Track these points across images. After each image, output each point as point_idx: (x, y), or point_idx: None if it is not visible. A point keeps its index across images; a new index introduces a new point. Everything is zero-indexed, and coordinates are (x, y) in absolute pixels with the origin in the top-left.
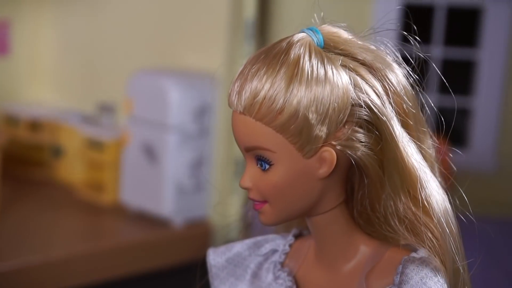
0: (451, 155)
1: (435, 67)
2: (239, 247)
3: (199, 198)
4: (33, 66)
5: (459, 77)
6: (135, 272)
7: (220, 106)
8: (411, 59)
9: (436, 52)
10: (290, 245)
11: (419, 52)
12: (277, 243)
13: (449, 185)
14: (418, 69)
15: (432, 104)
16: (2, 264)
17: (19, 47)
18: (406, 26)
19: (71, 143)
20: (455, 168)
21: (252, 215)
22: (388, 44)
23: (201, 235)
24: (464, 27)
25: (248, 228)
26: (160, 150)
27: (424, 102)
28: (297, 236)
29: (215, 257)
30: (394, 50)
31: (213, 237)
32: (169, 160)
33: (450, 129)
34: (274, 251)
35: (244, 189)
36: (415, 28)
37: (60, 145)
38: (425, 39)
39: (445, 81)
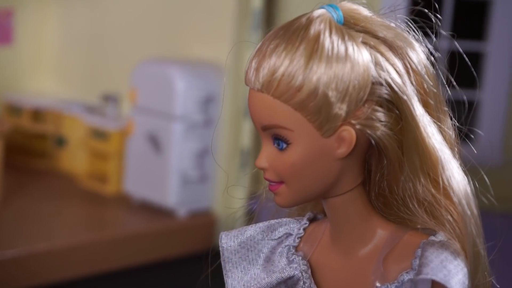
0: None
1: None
2: (252, 230)
3: (203, 189)
4: (37, 56)
5: (466, 69)
6: (139, 263)
7: (226, 96)
8: (433, 37)
9: (443, 44)
10: (305, 229)
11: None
12: (291, 227)
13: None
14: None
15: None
16: (5, 252)
17: (23, 37)
18: (417, 14)
19: (75, 133)
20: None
21: (263, 199)
22: (408, 22)
23: (205, 226)
24: (472, 19)
25: (253, 220)
26: (165, 140)
27: (444, 81)
28: (311, 220)
29: (227, 241)
30: (414, 29)
31: (217, 228)
32: (174, 150)
33: (462, 118)
34: (288, 235)
35: (260, 169)
36: (430, 11)
37: (63, 135)
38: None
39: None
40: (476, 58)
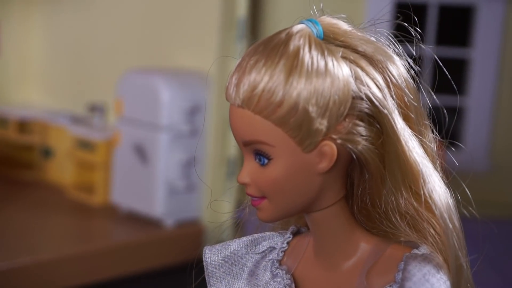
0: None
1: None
2: (236, 245)
3: (190, 199)
4: (23, 67)
5: (451, 76)
6: (126, 274)
7: (212, 106)
8: (413, 51)
9: (428, 50)
10: (288, 243)
11: (418, 45)
12: (275, 240)
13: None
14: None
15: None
16: None
17: (8, 48)
18: (399, 25)
19: (61, 144)
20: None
21: (247, 214)
22: (388, 36)
23: (192, 235)
24: (457, 26)
25: (240, 229)
26: (152, 150)
27: (425, 94)
28: (295, 234)
29: (211, 255)
30: (394, 42)
31: (205, 237)
32: (160, 161)
33: (444, 128)
34: (271, 248)
35: (242, 185)
36: (410, 24)
37: (50, 146)
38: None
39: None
40: (462, 64)
